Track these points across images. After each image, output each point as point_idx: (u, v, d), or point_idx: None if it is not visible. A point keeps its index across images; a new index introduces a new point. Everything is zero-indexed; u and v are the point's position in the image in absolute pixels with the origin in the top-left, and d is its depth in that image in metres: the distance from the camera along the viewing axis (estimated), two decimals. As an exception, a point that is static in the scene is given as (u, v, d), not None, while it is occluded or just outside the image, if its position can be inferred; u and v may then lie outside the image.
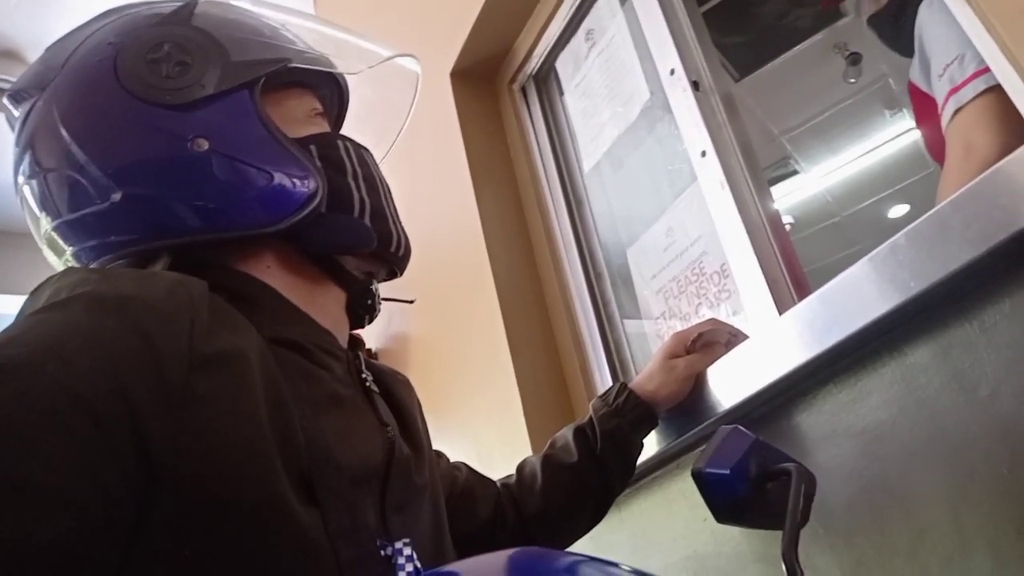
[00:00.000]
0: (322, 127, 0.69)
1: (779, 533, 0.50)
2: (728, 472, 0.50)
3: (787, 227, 1.29)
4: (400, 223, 0.71)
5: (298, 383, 0.55)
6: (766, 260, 1.08)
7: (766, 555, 0.88)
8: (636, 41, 1.36)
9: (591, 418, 0.89)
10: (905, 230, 0.67)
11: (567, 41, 1.57)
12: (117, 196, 0.58)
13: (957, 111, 1.05)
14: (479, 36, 1.59)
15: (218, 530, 0.45)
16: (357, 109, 0.79)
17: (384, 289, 0.73)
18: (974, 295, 0.67)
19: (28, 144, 0.62)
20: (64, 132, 0.59)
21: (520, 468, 0.91)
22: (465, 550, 0.70)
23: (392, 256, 0.69)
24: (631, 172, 1.41)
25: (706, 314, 1.17)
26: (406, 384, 0.75)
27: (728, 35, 1.63)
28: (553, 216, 1.55)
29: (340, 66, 0.71)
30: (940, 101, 1.10)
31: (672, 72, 1.24)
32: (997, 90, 1.01)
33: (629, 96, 1.39)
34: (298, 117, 0.67)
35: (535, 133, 1.63)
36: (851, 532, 0.78)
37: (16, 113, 0.65)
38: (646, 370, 0.92)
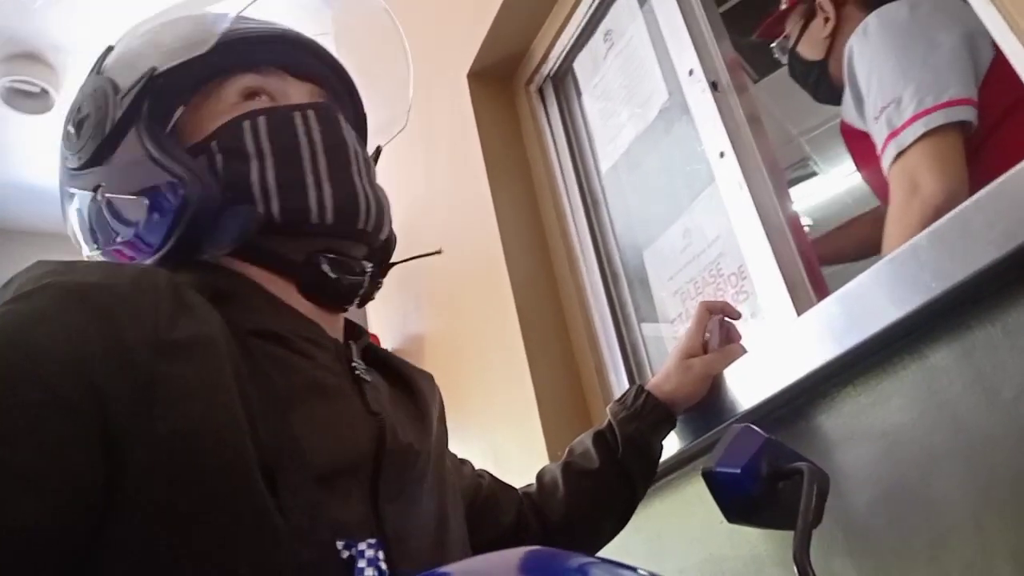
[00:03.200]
0: (257, 105, 0.65)
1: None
2: (739, 471, 0.50)
3: (806, 229, 1.28)
4: (340, 187, 0.63)
5: (271, 374, 0.54)
6: (785, 262, 1.07)
7: (784, 558, 0.87)
8: (655, 42, 1.36)
9: (610, 423, 0.88)
10: (926, 230, 0.67)
11: (585, 42, 1.56)
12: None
13: (899, 155, 1.05)
14: (496, 37, 1.59)
15: (185, 515, 0.45)
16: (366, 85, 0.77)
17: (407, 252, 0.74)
18: (997, 297, 0.66)
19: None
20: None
21: (540, 477, 0.90)
22: None
23: (316, 228, 0.62)
24: (649, 173, 1.41)
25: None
26: (429, 379, 0.74)
27: (747, 36, 1.62)
28: (570, 217, 1.55)
29: (203, 44, 0.64)
30: (879, 144, 1.10)
31: (691, 72, 1.23)
32: (937, 132, 1.02)
33: (647, 97, 1.38)
34: (224, 108, 0.65)
35: (552, 134, 1.63)
36: (870, 536, 0.77)
37: None
38: (663, 371, 0.91)
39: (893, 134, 1.06)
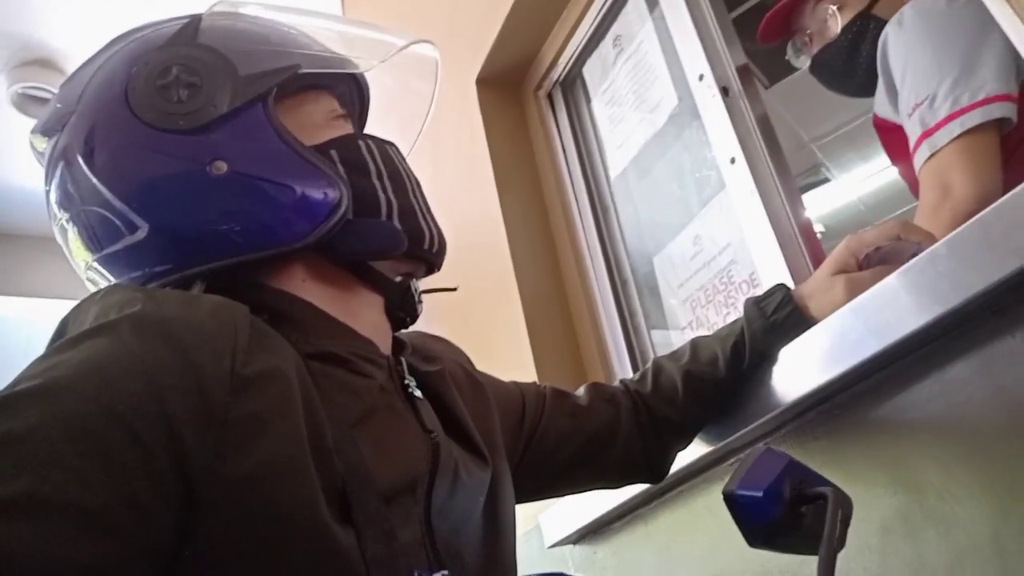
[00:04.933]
0: (343, 128, 0.67)
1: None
2: (760, 495, 0.48)
3: (819, 236, 1.26)
4: (431, 217, 0.69)
5: (336, 397, 0.55)
6: (797, 270, 1.05)
7: (797, 573, 0.85)
8: (664, 47, 1.35)
9: (743, 330, 0.84)
10: (944, 239, 0.65)
11: (594, 47, 1.55)
12: (144, 228, 0.59)
13: (932, 155, 1.01)
14: (505, 43, 1.58)
15: (257, 552, 0.45)
16: (382, 99, 0.77)
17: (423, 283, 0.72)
18: (1018, 307, 0.64)
19: (56, 182, 0.62)
20: (86, 169, 0.60)
21: (656, 374, 0.88)
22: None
23: (426, 253, 0.67)
24: (658, 179, 1.39)
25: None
26: (439, 375, 0.71)
27: (758, 42, 1.60)
28: (579, 223, 1.54)
29: (353, 63, 0.68)
30: (912, 142, 1.06)
31: (701, 78, 1.22)
32: (972, 133, 0.98)
33: (657, 102, 1.37)
34: (317, 121, 0.65)
35: (561, 140, 1.61)
36: (886, 555, 0.75)
37: (41, 150, 0.65)
38: (811, 281, 0.84)
39: (927, 134, 1.02)
